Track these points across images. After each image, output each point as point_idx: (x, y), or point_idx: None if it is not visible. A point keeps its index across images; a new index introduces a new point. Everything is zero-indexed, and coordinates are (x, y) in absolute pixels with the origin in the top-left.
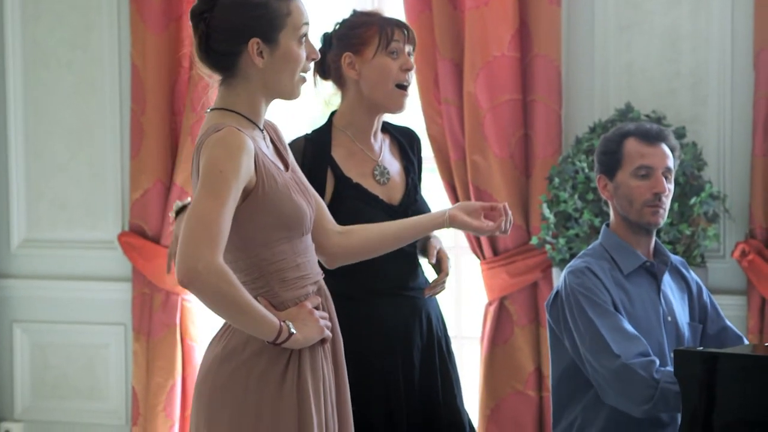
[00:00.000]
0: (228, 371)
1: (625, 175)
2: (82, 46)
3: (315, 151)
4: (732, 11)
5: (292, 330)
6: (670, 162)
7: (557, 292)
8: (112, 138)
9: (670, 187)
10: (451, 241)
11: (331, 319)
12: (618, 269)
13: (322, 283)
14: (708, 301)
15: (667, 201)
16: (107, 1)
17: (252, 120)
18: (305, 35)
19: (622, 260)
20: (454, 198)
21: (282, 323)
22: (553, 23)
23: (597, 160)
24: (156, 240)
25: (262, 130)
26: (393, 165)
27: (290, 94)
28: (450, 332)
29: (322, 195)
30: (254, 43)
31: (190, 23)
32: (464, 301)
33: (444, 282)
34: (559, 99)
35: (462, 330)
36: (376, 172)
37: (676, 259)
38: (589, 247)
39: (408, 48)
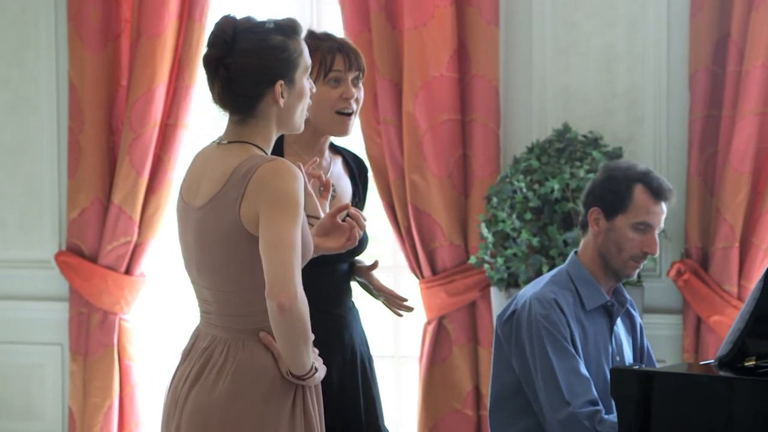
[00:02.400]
0: (241, 408)
1: (624, 223)
2: (18, 64)
3: None
4: (667, 32)
5: (317, 367)
6: (663, 222)
7: (514, 311)
8: (49, 156)
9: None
10: (390, 261)
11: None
12: (580, 303)
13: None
14: (646, 343)
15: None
16: (45, 19)
17: (267, 153)
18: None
19: (586, 295)
20: (393, 217)
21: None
22: (491, 44)
23: (598, 193)
24: (93, 259)
25: None
26: (342, 183)
27: (298, 128)
28: (388, 351)
29: None
30: (279, 86)
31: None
32: (403, 320)
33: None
34: (497, 119)
35: (400, 349)
36: (322, 188)
37: (628, 298)
38: (555, 272)
39: (352, 75)
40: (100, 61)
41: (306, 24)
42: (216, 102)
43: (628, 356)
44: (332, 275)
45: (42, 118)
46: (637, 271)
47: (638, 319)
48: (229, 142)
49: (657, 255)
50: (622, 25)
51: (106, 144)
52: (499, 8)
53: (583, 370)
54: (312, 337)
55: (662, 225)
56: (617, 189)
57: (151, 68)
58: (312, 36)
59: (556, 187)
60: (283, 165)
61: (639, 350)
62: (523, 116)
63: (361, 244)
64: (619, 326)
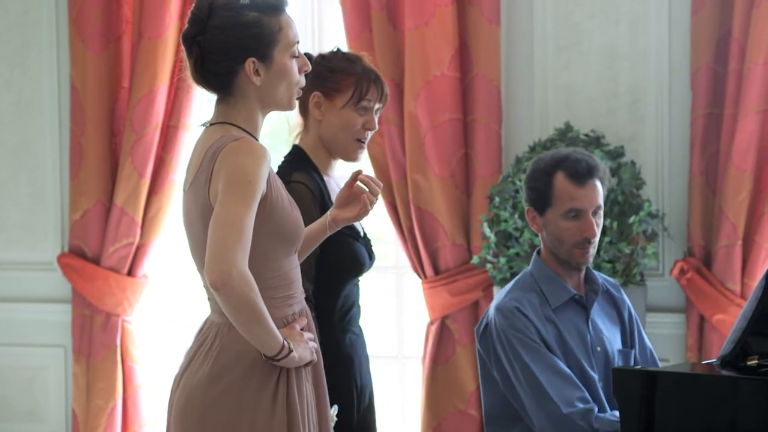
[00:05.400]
0: (219, 390)
1: (554, 215)
2: (20, 66)
3: (320, 196)
4: (669, 31)
5: (292, 348)
6: (600, 198)
7: (487, 323)
8: (51, 158)
9: (599, 222)
10: (393, 261)
11: (314, 340)
12: (547, 302)
13: (305, 303)
14: (636, 324)
15: (596, 240)
16: (46, 20)
17: (251, 133)
18: (297, 51)
19: (550, 293)
20: (396, 217)
21: (285, 340)
22: (492, 43)
23: (527, 193)
24: (96, 261)
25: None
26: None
27: (287, 105)
28: (392, 352)
29: None
30: (250, 63)
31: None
32: (406, 321)
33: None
34: (499, 118)
35: (404, 349)
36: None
37: (610, 282)
38: (519, 276)
39: (377, 106)
40: (101, 63)
41: (308, 26)
42: (193, 80)
43: (612, 344)
44: (358, 290)
45: (44, 120)
46: (590, 256)
47: (626, 303)
48: (212, 124)
49: (596, 237)
50: (623, 24)
51: (107, 146)
52: (500, 7)
53: (563, 366)
54: (266, 313)
55: (599, 202)
56: (538, 185)
57: (152, 69)
58: (347, 58)
59: None
60: (245, 144)
61: (630, 334)
62: (524, 115)
63: (370, 259)
64: (598, 315)
